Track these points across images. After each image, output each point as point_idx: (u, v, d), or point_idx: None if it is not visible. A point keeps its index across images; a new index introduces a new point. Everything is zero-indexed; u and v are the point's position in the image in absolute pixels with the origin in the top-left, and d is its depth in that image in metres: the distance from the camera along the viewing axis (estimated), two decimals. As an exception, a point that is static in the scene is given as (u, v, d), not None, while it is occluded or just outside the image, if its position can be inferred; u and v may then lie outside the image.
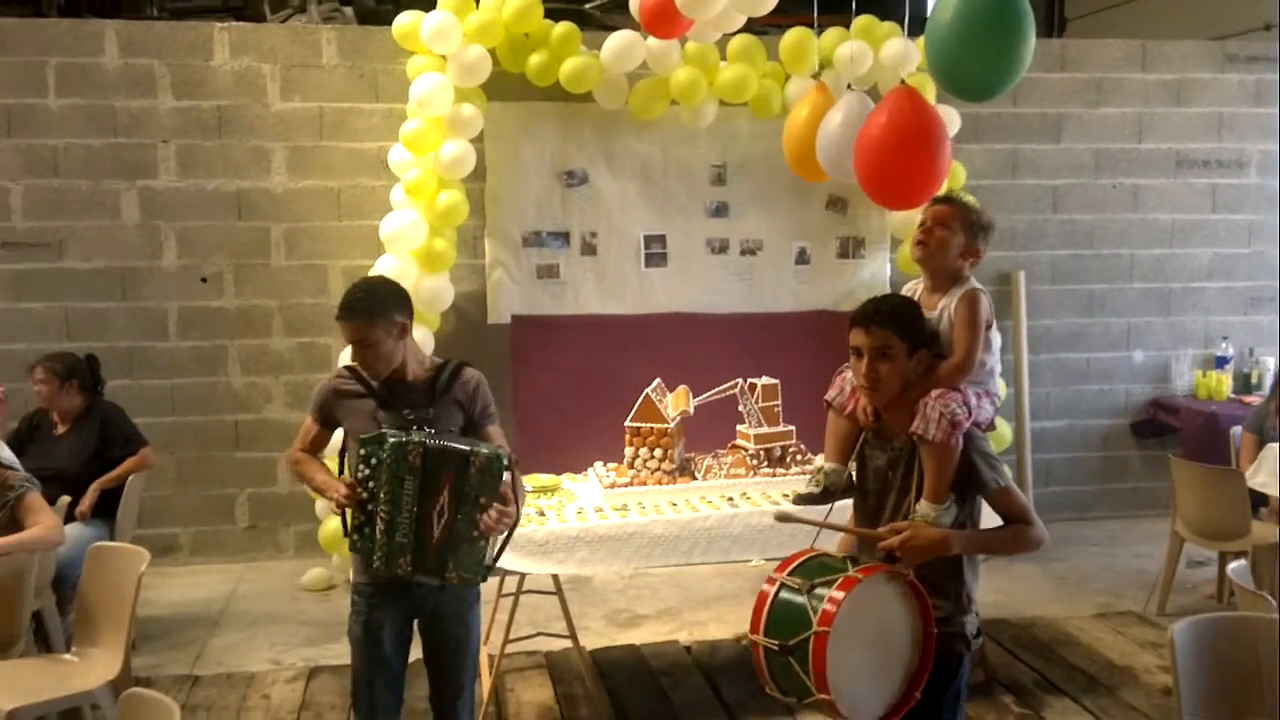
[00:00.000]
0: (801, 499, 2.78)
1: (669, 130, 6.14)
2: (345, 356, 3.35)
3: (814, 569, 2.39)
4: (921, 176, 3.46)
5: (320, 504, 5.55)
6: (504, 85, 5.86)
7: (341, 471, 3.11)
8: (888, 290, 5.04)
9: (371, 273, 5.09)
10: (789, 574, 2.39)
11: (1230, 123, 6.98)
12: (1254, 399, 6.39)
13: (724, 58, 5.91)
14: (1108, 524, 6.79)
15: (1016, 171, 6.80)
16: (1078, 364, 7.00)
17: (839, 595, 2.26)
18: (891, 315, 2.53)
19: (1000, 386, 2.91)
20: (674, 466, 4.34)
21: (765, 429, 4.46)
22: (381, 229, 5.62)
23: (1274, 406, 5.22)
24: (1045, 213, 6.86)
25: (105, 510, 4.79)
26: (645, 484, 4.29)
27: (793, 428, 4.52)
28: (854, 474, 2.71)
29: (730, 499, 4.24)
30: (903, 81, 3.63)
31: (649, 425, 4.35)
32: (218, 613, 5.44)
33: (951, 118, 5.91)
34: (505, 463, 2.86)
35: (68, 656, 3.73)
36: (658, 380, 4.44)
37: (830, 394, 2.75)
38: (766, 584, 2.41)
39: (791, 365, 5.09)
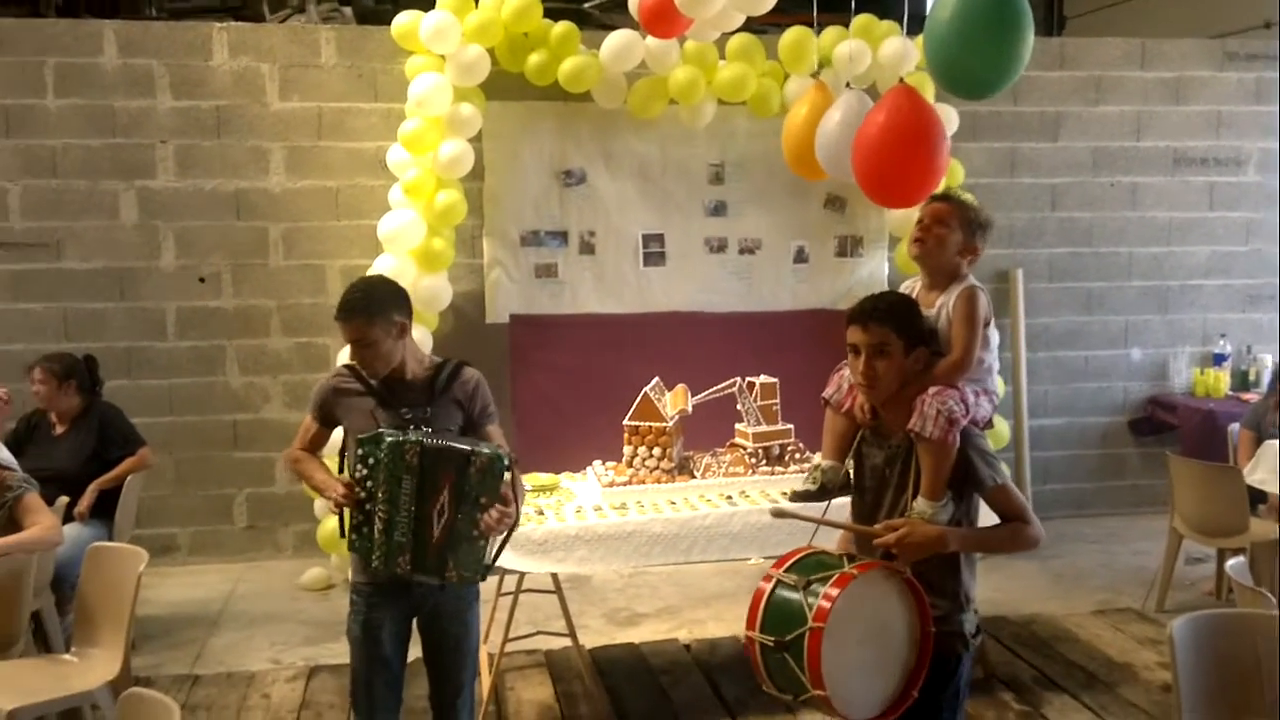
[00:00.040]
0: (799, 496, 2.78)
1: (668, 129, 6.14)
2: (344, 356, 3.35)
3: (810, 566, 2.39)
4: (920, 175, 3.46)
5: (319, 503, 5.56)
6: (503, 85, 5.86)
7: (341, 470, 3.11)
8: (886, 288, 5.04)
9: (370, 272, 5.10)
10: (785, 571, 2.39)
11: (1229, 121, 6.98)
12: (1252, 396, 6.40)
13: (723, 57, 5.90)
14: (1106, 521, 6.79)
15: (1015, 170, 6.81)
16: (1076, 362, 7.00)
17: (834, 592, 2.27)
18: (889, 312, 2.52)
19: (998, 384, 2.91)
20: (673, 465, 4.34)
21: (764, 427, 4.46)
22: (380, 228, 5.62)
23: (1272, 403, 5.24)
24: (1043, 211, 6.86)
25: (104, 510, 4.78)
26: (644, 483, 4.29)
27: (791, 426, 4.52)
28: (851, 471, 2.71)
29: (729, 497, 4.24)
30: (901, 80, 3.63)
31: (647, 424, 4.35)
32: (217, 612, 5.44)
33: (950, 116, 5.91)
34: (506, 463, 2.86)
35: (67, 657, 3.72)
36: (656, 379, 4.44)
37: (828, 391, 2.75)
38: (763, 581, 2.41)
39: (790, 364, 5.08)
